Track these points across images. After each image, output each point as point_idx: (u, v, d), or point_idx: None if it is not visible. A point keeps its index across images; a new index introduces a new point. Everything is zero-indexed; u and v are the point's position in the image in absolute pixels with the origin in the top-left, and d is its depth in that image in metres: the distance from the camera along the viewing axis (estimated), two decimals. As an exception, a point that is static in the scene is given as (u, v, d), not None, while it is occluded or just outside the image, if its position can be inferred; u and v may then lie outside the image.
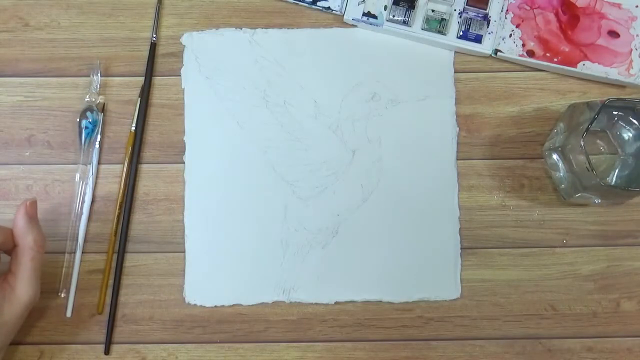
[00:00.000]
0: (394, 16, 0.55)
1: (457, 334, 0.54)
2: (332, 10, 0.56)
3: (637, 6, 0.55)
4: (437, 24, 0.55)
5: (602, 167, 0.54)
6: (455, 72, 0.56)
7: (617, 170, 0.54)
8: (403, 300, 0.54)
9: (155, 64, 0.56)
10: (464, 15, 0.55)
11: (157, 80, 0.56)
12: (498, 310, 0.54)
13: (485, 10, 0.55)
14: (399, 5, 0.55)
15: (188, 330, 0.54)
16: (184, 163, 0.55)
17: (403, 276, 0.54)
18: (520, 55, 0.54)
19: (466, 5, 0.55)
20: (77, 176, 0.54)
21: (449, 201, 0.54)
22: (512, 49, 0.55)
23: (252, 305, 0.54)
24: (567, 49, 0.54)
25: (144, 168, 0.55)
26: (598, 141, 0.55)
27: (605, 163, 0.55)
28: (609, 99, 0.48)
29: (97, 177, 0.55)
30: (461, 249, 0.54)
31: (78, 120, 0.54)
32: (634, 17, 0.55)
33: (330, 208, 0.54)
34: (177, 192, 0.55)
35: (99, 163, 0.55)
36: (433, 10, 0.55)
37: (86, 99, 0.55)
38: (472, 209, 0.54)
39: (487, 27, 0.55)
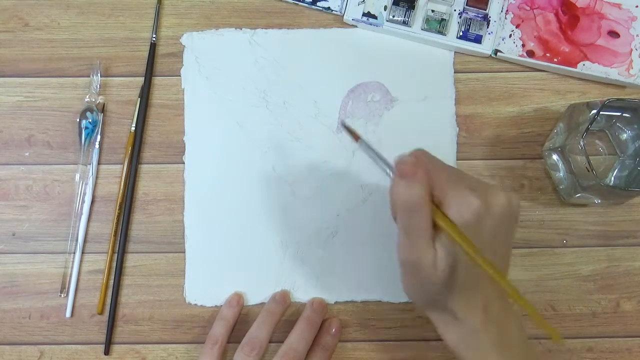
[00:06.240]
0: (393, 16, 0.55)
1: (457, 334, 0.54)
2: (332, 10, 0.56)
3: (637, 6, 0.55)
4: (437, 24, 0.55)
5: (601, 167, 0.54)
6: (455, 72, 0.56)
7: (616, 171, 0.54)
8: (403, 300, 0.54)
9: (155, 64, 0.56)
10: (463, 15, 0.55)
11: (157, 80, 0.56)
12: (498, 310, 0.54)
13: (485, 10, 0.55)
14: (398, 6, 0.55)
15: (188, 330, 0.54)
16: (184, 163, 0.55)
17: (403, 276, 0.54)
18: (520, 56, 0.54)
19: (466, 5, 0.55)
20: (77, 176, 0.54)
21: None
22: (512, 49, 0.55)
23: (252, 305, 0.54)
24: (567, 49, 0.54)
25: (144, 168, 0.55)
26: (597, 141, 0.55)
27: (604, 163, 0.55)
28: (609, 99, 0.48)
29: (97, 177, 0.55)
30: (461, 249, 0.54)
31: (78, 120, 0.54)
32: (634, 17, 0.55)
33: (330, 208, 0.54)
34: (177, 192, 0.55)
35: (99, 163, 0.55)
36: (433, 11, 0.55)
37: (86, 99, 0.55)
38: (472, 209, 0.54)
39: (487, 27, 0.55)
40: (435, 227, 0.41)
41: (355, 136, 0.46)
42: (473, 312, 0.43)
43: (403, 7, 0.55)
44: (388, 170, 0.43)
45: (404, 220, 0.42)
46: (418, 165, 0.42)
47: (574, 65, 0.54)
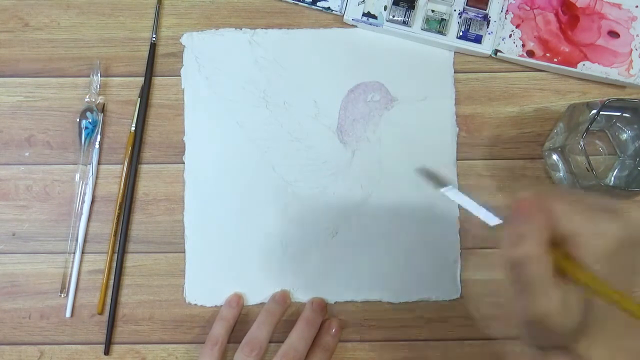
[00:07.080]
0: (393, 16, 0.55)
1: (457, 334, 0.54)
2: (332, 10, 0.56)
3: (637, 6, 0.55)
4: (437, 24, 0.55)
5: (601, 167, 0.54)
6: (455, 72, 0.56)
7: (616, 171, 0.54)
8: (403, 300, 0.54)
9: (155, 64, 0.56)
10: (463, 15, 0.55)
11: (157, 80, 0.56)
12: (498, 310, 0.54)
13: (485, 10, 0.55)
14: (398, 6, 0.55)
15: (188, 330, 0.54)
16: (184, 163, 0.55)
17: (403, 276, 0.54)
18: (520, 56, 0.54)
19: (466, 5, 0.55)
20: (77, 176, 0.54)
21: (449, 201, 0.54)
22: (512, 49, 0.55)
23: (252, 305, 0.54)
24: (567, 49, 0.54)
25: (144, 168, 0.55)
26: (597, 141, 0.55)
27: (604, 163, 0.55)
28: (608, 99, 0.48)
29: (97, 177, 0.55)
30: (461, 249, 0.54)
31: (78, 120, 0.54)
32: (634, 17, 0.55)
33: (330, 208, 0.54)
34: (177, 192, 0.55)
35: (99, 163, 0.55)
36: (433, 11, 0.55)
37: (86, 99, 0.55)
38: (472, 209, 0.54)
39: (487, 27, 0.55)
40: (558, 272, 0.35)
41: (440, 182, 0.41)
42: (601, 351, 0.37)
43: (403, 7, 0.55)
44: (488, 217, 0.38)
45: (519, 274, 0.36)
46: (535, 203, 0.36)
47: (574, 65, 0.54)
